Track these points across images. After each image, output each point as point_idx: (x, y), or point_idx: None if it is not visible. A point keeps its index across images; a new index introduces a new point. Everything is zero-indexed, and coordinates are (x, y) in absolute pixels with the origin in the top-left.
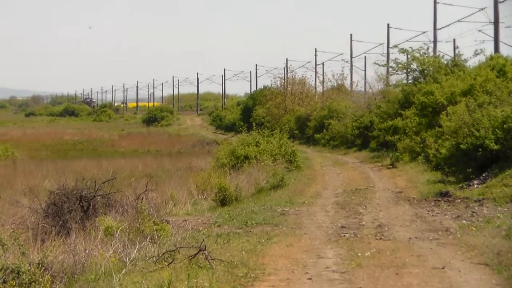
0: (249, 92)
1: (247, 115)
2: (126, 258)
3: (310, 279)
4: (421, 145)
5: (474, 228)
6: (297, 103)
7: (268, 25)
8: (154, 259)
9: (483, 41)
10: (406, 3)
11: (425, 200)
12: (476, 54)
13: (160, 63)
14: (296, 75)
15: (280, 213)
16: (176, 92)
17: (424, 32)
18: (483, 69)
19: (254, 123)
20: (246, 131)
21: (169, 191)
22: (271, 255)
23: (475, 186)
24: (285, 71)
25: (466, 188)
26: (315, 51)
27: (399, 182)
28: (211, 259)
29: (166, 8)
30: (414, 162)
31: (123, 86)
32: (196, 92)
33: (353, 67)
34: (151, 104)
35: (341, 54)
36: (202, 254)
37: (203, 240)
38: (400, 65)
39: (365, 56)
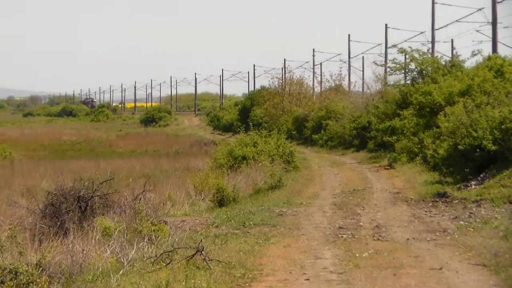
0: (247, 92)
1: (245, 115)
2: (123, 259)
3: (308, 279)
4: (419, 146)
5: (472, 229)
6: (295, 104)
7: (266, 25)
8: (152, 260)
9: (481, 41)
10: (404, 4)
11: (423, 200)
12: (473, 54)
13: (158, 64)
14: (294, 76)
15: (278, 214)
16: (174, 92)
17: (422, 33)
18: (481, 69)
19: (251, 124)
20: (244, 131)
21: (167, 191)
22: (268, 255)
23: (473, 187)
24: (283, 72)
25: (464, 189)
26: (313, 51)
27: (397, 182)
28: (209, 260)
29: (165, 9)
30: (412, 162)
31: (121, 86)
32: (194, 92)
33: (351, 67)
34: (149, 104)
35: (339, 54)
36: (200, 254)
37: (201, 240)
38: (398, 65)
39: (363, 57)
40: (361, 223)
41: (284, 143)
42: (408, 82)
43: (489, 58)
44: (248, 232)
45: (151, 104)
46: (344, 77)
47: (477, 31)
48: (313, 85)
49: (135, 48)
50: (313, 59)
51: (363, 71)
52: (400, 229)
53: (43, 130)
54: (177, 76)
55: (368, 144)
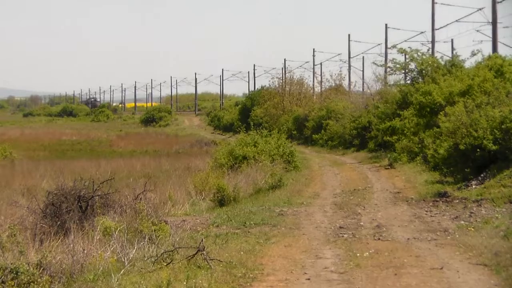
0: (247, 92)
1: (245, 115)
2: (124, 259)
3: (309, 279)
4: (419, 146)
5: (473, 229)
6: (295, 104)
7: (266, 25)
8: (153, 260)
9: (481, 41)
10: (404, 4)
11: (423, 200)
12: (473, 54)
13: (159, 63)
14: (294, 75)
15: (279, 214)
16: (174, 92)
17: (422, 32)
18: (481, 69)
19: (252, 124)
20: (244, 131)
21: (168, 191)
22: (269, 255)
23: (473, 186)
24: (283, 71)
25: (464, 188)
26: (313, 51)
27: (397, 182)
28: (210, 260)
29: (165, 8)
30: (412, 162)
31: (121, 86)
32: (194, 92)
33: (351, 67)
34: (149, 104)
35: (339, 54)
36: (201, 254)
37: (202, 240)
38: (398, 65)
39: (363, 56)
40: (361, 223)
41: (285, 143)
42: (408, 82)
43: (489, 58)
44: (248, 231)
45: (151, 104)
46: (344, 77)
47: (477, 31)
48: (313, 85)
49: (135, 48)
50: (313, 59)
51: (363, 71)
52: (401, 229)
53: (44, 130)
54: (177, 76)
55: (369, 144)
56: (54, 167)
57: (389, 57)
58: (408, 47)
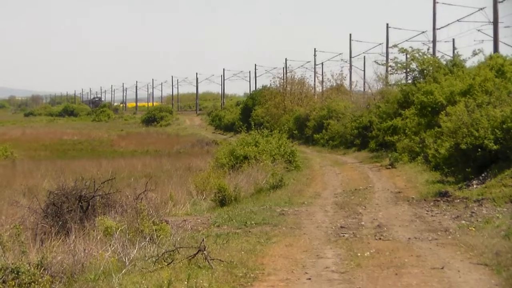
0: (248, 92)
1: (246, 115)
2: (125, 258)
3: (310, 279)
4: (420, 145)
5: (473, 228)
6: (296, 103)
7: (267, 25)
8: (154, 259)
9: (482, 40)
10: (405, 3)
11: (424, 200)
12: (474, 54)
13: (160, 63)
14: (295, 75)
15: (280, 213)
16: (175, 92)
17: (423, 32)
18: (482, 69)
19: (253, 123)
20: (245, 131)
21: (169, 191)
22: (270, 255)
23: (474, 186)
24: (284, 71)
25: (465, 188)
26: (314, 51)
27: (398, 182)
28: (211, 259)
29: (166, 8)
30: (413, 162)
31: (122, 86)
32: (195, 92)
33: (352, 67)
34: (150, 104)
35: (340, 54)
36: (202, 254)
37: (203, 240)
38: (399, 65)
39: (364, 56)
40: (362, 223)
41: (286, 143)
42: (410, 81)
43: (490, 58)
44: (249, 231)
45: (153, 104)
46: (345, 77)
47: (478, 30)
48: (314, 84)
49: (137, 48)
50: (315, 59)
51: (364, 70)
52: (402, 229)
53: (45, 129)
54: (178, 75)
55: (370, 143)
56: (55, 167)
57: (390, 56)
58: (410, 47)
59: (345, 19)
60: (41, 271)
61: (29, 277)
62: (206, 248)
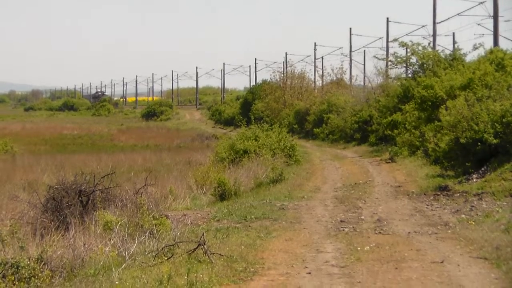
0: (249, 86)
1: (246, 109)
2: (125, 253)
3: (310, 273)
4: (420, 139)
5: (473, 222)
6: (297, 97)
7: (267, 19)
8: (154, 254)
9: (483, 34)
10: None
11: (424, 194)
12: (474, 48)
13: (160, 57)
14: (296, 69)
15: (279, 208)
16: (175, 86)
17: (424, 26)
18: (482, 63)
19: (253, 118)
20: (245, 125)
21: (168, 185)
22: (270, 249)
23: (474, 180)
24: (285, 65)
25: (465, 182)
26: (315, 45)
27: (398, 176)
28: (211, 254)
29: (166, 2)
30: (413, 156)
31: (123, 81)
32: (195, 86)
33: (353, 61)
34: (150, 98)
35: (340, 48)
36: (202, 248)
37: (203, 234)
38: (399, 59)
39: (364, 50)
40: (362, 217)
41: (286, 137)
42: (410, 75)
43: (490, 52)
44: (249, 226)
45: (153, 98)
46: (345, 71)
47: (479, 24)
48: (314, 78)
49: (137, 42)
50: (315, 53)
51: (364, 64)
52: (402, 223)
53: (45, 124)
54: (178, 70)
55: (370, 137)
56: (55, 162)
57: (391, 50)
58: (410, 41)
59: (346, 13)
60: (41, 265)
61: (29, 272)
62: (206, 243)
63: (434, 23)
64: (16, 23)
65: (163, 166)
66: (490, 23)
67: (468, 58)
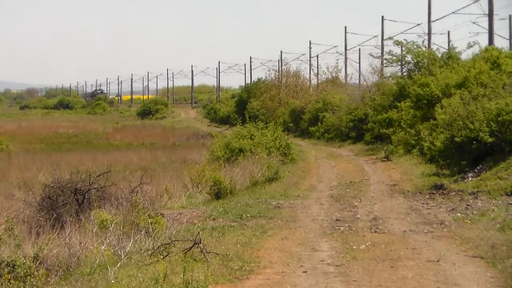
0: (244, 84)
1: (242, 107)
2: (121, 251)
3: (305, 272)
4: (415, 138)
5: (469, 221)
6: (292, 96)
7: (262, 17)
8: (149, 252)
9: (478, 33)
10: None
11: (420, 193)
12: (469, 46)
13: (155, 56)
14: (291, 68)
15: (275, 206)
16: (170, 84)
17: (419, 24)
18: (478, 61)
19: (248, 116)
20: (241, 124)
21: (164, 184)
22: (266, 248)
23: (470, 179)
24: (280, 64)
25: (461, 181)
26: (310, 43)
27: (393, 175)
28: (206, 252)
29: (161, 0)
30: (408, 155)
31: (118, 79)
32: (190, 84)
33: (348, 59)
34: (145, 97)
35: (335, 46)
36: (197, 247)
37: (198, 233)
38: (394, 58)
39: (359, 49)
40: (358, 216)
41: (281, 136)
42: (405, 74)
43: (485, 50)
44: (245, 224)
45: (148, 97)
46: (340, 69)
47: (474, 23)
48: (309, 77)
49: (132, 40)
50: (310, 51)
51: (359, 63)
52: (397, 221)
53: (40, 122)
54: (173, 68)
55: (365, 136)
56: (50, 160)
57: (386, 49)
58: (404, 39)
59: (341, 11)
60: (37, 264)
61: (25, 270)
62: (201, 241)
63: (429, 21)
64: (11, 21)
65: (159, 165)
66: (485, 21)
67: (463, 57)
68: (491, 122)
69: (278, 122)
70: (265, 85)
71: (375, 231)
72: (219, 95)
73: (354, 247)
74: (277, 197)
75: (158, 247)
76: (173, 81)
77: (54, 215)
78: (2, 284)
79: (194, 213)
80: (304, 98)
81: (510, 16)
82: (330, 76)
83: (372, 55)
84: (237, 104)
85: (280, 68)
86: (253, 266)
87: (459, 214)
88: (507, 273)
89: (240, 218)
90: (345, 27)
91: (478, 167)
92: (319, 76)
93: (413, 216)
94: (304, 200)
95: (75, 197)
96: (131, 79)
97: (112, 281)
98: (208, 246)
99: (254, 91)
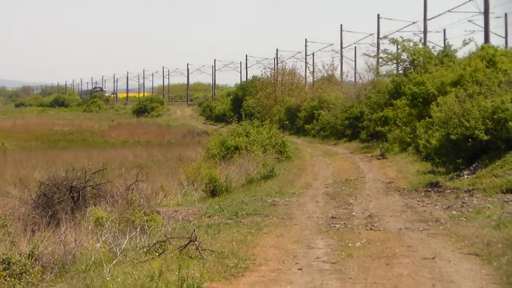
0: (239, 82)
1: (237, 105)
2: (116, 249)
3: (301, 269)
4: (411, 136)
5: (464, 219)
6: (287, 94)
7: (258, 15)
8: (145, 250)
9: (473, 31)
10: None
11: (415, 190)
12: (464, 43)
13: (151, 54)
14: (287, 66)
15: (271, 204)
16: (166, 82)
17: (414, 23)
18: (473, 59)
19: (244, 114)
20: (237, 121)
21: (160, 181)
22: (261, 245)
23: (465, 176)
24: (275, 62)
25: (456, 178)
26: (305, 41)
27: (389, 172)
28: (202, 250)
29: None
30: (404, 152)
31: (114, 77)
32: (186, 82)
33: (343, 57)
34: (141, 94)
35: (331, 44)
36: (193, 244)
37: (194, 230)
38: (390, 56)
39: (355, 47)
40: (353, 213)
41: (277, 133)
42: (400, 72)
43: (481, 48)
44: (240, 222)
45: (144, 94)
46: (336, 67)
47: (469, 21)
48: (305, 75)
49: (127, 38)
50: (306, 49)
51: (355, 61)
52: (393, 219)
53: (36, 120)
54: (169, 66)
55: (361, 134)
56: (46, 158)
57: (381, 47)
58: (400, 37)
59: (336, 9)
60: (32, 261)
61: (20, 268)
62: (197, 239)
63: (425, 19)
64: (5, 19)
65: (154, 163)
66: (481, 19)
67: (459, 54)
68: (486, 120)
69: (274, 120)
70: (261, 83)
71: (371, 229)
72: (214, 93)
73: (350, 244)
74: (273, 194)
75: (154, 244)
76: (168, 79)
77: (50, 212)
78: None
79: (190, 211)
80: (300, 96)
81: (506, 14)
82: (325, 74)
83: (367, 55)
84: (233, 102)
85: (276, 66)
86: (249, 264)
87: (454, 212)
88: (502, 271)
89: (236, 215)
90: (341, 25)
91: (473, 165)
92: (314, 74)
93: (409, 213)
94: (300, 198)
95: (71, 194)
96: (127, 77)
97: (108, 278)
98: (204, 244)
99: (249, 89)
